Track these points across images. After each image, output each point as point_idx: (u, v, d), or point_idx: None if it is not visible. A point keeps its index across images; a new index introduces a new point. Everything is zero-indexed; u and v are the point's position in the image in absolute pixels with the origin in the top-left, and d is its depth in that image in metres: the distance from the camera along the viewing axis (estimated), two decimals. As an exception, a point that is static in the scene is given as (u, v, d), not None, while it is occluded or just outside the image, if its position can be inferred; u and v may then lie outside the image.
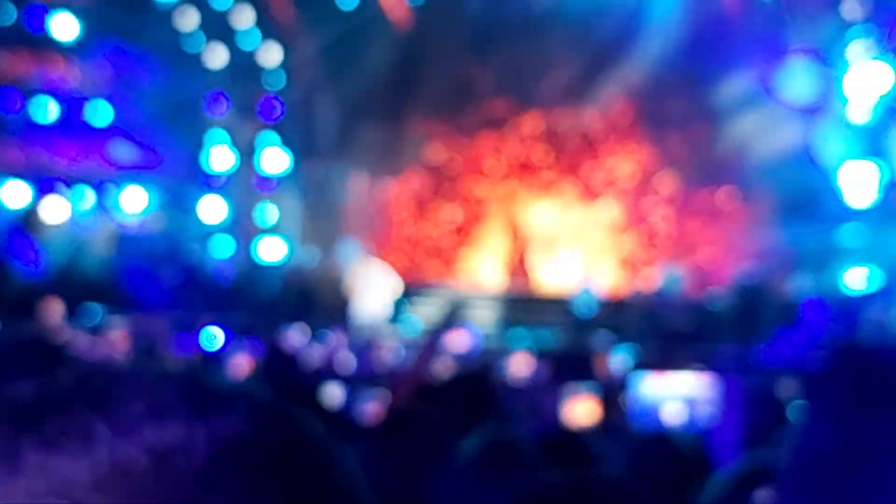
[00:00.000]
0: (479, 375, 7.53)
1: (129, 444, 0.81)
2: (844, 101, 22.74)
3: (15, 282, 24.49)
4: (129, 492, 0.80)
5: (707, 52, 23.85)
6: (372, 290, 21.11)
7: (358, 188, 28.02)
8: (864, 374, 1.11)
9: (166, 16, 25.94)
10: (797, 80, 23.08)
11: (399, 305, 24.29)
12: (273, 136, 27.45)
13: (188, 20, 26.10)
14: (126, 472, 0.81)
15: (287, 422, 0.89)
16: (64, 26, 25.20)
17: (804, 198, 23.38)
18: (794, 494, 1.16)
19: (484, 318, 23.90)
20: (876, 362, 1.10)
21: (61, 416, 0.83)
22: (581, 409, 5.38)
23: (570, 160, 26.61)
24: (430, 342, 6.74)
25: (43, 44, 25.23)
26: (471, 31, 25.81)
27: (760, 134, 23.31)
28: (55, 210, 26.59)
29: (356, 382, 8.26)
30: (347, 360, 9.16)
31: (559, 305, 23.19)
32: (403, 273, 27.08)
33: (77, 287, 24.79)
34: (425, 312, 24.39)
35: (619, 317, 22.69)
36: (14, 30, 24.64)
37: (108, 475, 0.80)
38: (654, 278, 23.18)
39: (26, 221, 25.92)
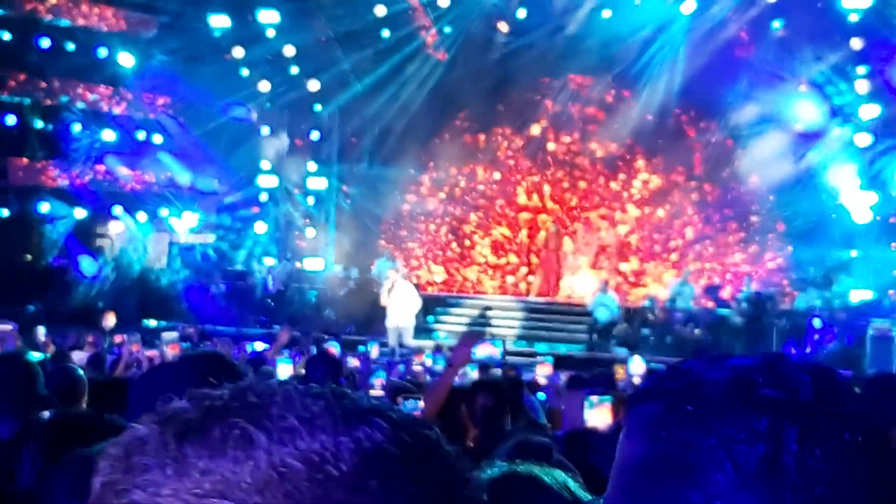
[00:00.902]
0: (504, 382, 7.61)
1: (285, 452, 0.86)
2: (850, 127, 22.68)
3: (75, 294, 24.71)
4: (284, 494, 0.85)
5: (719, 81, 23.83)
6: (404, 302, 21.07)
7: (393, 208, 28.13)
8: (678, 390, 1.13)
9: (219, 45, 26.14)
10: (804, 108, 23.04)
11: (430, 316, 24.38)
12: (315, 158, 27.61)
13: (239, 49, 26.31)
14: (282, 477, 0.86)
15: (423, 437, 0.93)
16: (123, 56, 25.49)
17: (811, 218, 23.32)
18: None
19: (509, 327, 23.95)
20: (694, 378, 1.14)
21: (225, 425, 0.88)
22: (600, 415, 5.38)
23: (592, 181, 26.65)
24: (459, 354, 6.79)
25: (103, 72, 25.48)
26: (497, 68, 25.93)
27: (770, 159, 23.25)
28: (114, 227, 26.85)
29: (391, 391, 8.29)
30: (381, 370, 9.17)
31: (580, 315, 23.18)
32: (434, 286, 27.22)
33: (133, 299, 25.01)
34: (455, 323, 24.48)
35: (635, 326, 22.69)
36: (75, 59, 24.89)
37: (265, 479, 0.85)
38: (668, 290, 23.13)
39: (87, 238, 26.16)
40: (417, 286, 24.12)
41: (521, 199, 27.27)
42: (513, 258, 27.18)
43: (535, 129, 26.96)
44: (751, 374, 1.12)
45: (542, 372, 10.20)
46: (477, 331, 18.45)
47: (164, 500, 0.86)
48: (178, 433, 0.89)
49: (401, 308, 20.99)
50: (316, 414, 0.90)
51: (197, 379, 2.47)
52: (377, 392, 8.54)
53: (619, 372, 10.96)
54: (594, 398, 5.56)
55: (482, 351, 9.07)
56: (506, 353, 10.51)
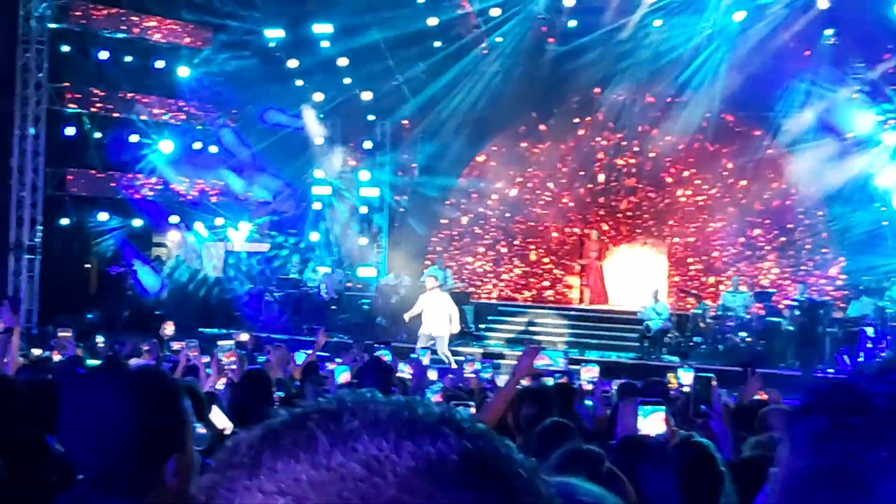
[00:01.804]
0: (552, 390, 7.59)
1: (344, 454, 0.91)
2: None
3: (133, 302, 24.99)
4: (338, 494, 0.90)
5: (770, 90, 23.68)
6: (438, 311, 21.00)
7: (444, 217, 28.21)
8: (837, 405, 1.14)
9: (274, 56, 26.37)
10: (856, 116, 22.82)
11: (480, 324, 24.40)
12: (368, 167, 27.75)
13: (293, 61, 26.54)
14: (338, 477, 0.90)
15: (488, 447, 0.94)
16: (180, 67, 25.79)
17: (863, 226, 23.08)
18: None
19: (560, 334, 23.90)
20: (850, 393, 1.14)
21: (297, 430, 0.94)
22: (653, 424, 5.34)
23: (643, 190, 26.55)
24: (522, 366, 6.81)
25: (160, 83, 25.77)
26: (549, 78, 25.94)
27: (821, 167, 23.05)
28: (171, 236, 27.14)
29: (444, 399, 8.31)
30: (439, 382, 9.19)
31: (631, 323, 23.09)
32: (486, 295, 27.24)
33: (189, 308, 25.25)
34: (506, 331, 24.48)
35: (687, 334, 22.57)
36: (133, 71, 25.20)
37: (322, 479, 0.90)
38: (719, 298, 22.98)
39: (144, 247, 26.45)
40: (469, 294, 24.14)
41: (571, 208, 27.19)
42: (561, 267, 27.12)
43: (586, 139, 26.85)
44: None
45: (587, 375, 10.14)
46: (538, 344, 18.37)
47: (240, 499, 0.92)
48: (261, 438, 0.96)
49: (437, 317, 20.88)
50: (381, 419, 0.94)
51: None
52: (436, 399, 8.55)
53: (673, 381, 10.93)
54: (648, 406, 5.52)
55: (542, 362, 9.04)
56: (567, 363, 10.50)
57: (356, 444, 0.92)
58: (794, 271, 24.74)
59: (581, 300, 25.85)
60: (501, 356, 21.50)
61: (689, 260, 25.98)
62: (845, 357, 20.18)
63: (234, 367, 8.78)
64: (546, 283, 27.37)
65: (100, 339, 13.44)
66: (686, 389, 9.71)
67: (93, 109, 24.95)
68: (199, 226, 26.76)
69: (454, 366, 16.28)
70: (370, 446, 0.92)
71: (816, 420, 1.14)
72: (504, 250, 27.85)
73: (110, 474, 2.42)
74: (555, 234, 27.43)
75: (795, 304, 21.56)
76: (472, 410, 6.75)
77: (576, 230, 27.00)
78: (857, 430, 1.10)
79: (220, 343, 9.44)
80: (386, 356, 11.42)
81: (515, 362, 6.53)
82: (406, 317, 21.67)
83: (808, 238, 24.70)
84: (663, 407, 5.59)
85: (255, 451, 0.95)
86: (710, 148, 25.64)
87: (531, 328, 24.28)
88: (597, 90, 26.09)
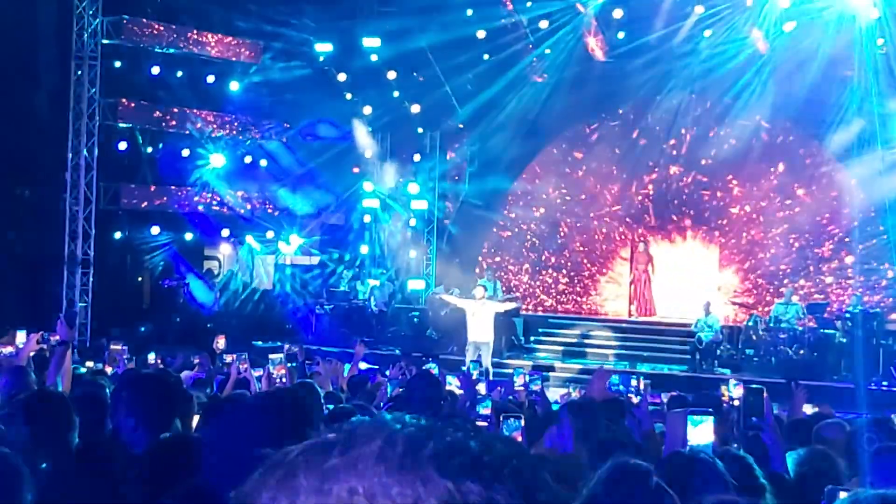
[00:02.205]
0: (599, 404, 7.55)
1: (320, 498, 0.90)
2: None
3: (185, 316, 25.18)
4: None
5: (821, 100, 23.50)
6: (485, 321, 21.04)
7: (493, 229, 28.21)
8: None
9: (324, 70, 26.56)
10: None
11: (531, 337, 24.35)
12: (417, 180, 27.80)
13: (343, 74, 26.72)
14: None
15: (487, 498, 0.92)
16: (231, 82, 26.03)
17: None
18: None
19: (610, 347, 23.81)
20: None
21: (323, 458, 0.93)
22: (702, 434, 5.31)
23: (694, 201, 26.40)
24: (594, 389, 6.85)
25: (211, 98, 26.00)
26: (597, 90, 25.89)
27: (874, 177, 22.83)
28: (223, 250, 27.34)
29: (494, 411, 8.31)
30: (488, 399, 9.16)
31: (682, 336, 22.97)
32: (536, 307, 27.19)
33: (241, 320, 25.41)
34: (556, 343, 24.41)
35: (739, 346, 22.41)
36: (184, 86, 25.44)
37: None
38: (771, 310, 22.78)
39: (196, 261, 26.66)
40: (519, 307, 24.10)
41: (621, 217, 27.09)
42: (610, 278, 27.02)
43: (636, 148, 26.73)
44: None
45: (644, 388, 10.10)
46: (609, 367, 18.32)
47: None
48: (260, 475, 0.96)
49: (484, 326, 20.93)
50: (364, 456, 0.92)
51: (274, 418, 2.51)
52: (485, 412, 8.54)
53: (726, 393, 10.87)
54: (697, 417, 5.50)
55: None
56: (644, 387, 10.48)
57: (332, 485, 0.91)
58: (847, 283, 24.48)
59: (630, 313, 25.71)
60: (552, 369, 21.51)
61: (741, 271, 25.78)
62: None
63: (284, 379, 8.82)
64: (594, 294, 27.28)
65: (151, 357, 13.51)
66: (736, 403, 9.64)
67: (145, 124, 25.20)
68: (250, 239, 26.96)
69: (490, 377, 16.21)
70: (343, 487, 0.91)
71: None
72: (553, 260, 27.78)
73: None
74: (604, 245, 27.32)
75: (848, 315, 21.32)
76: (521, 423, 6.73)
77: (626, 240, 26.87)
78: None
79: (271, 357, 9.49)
80: (434, 369, 11.43)
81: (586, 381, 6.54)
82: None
83: (862, 249, 24.41)
84: (711, 416, 5.55)
85: (251, 489, 0.96)
86: (761, 158, 25.45)
87: (581, 340, 24.21)
88: (647, 99, 25.98)
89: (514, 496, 0.94)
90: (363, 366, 14.06)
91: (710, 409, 5.85)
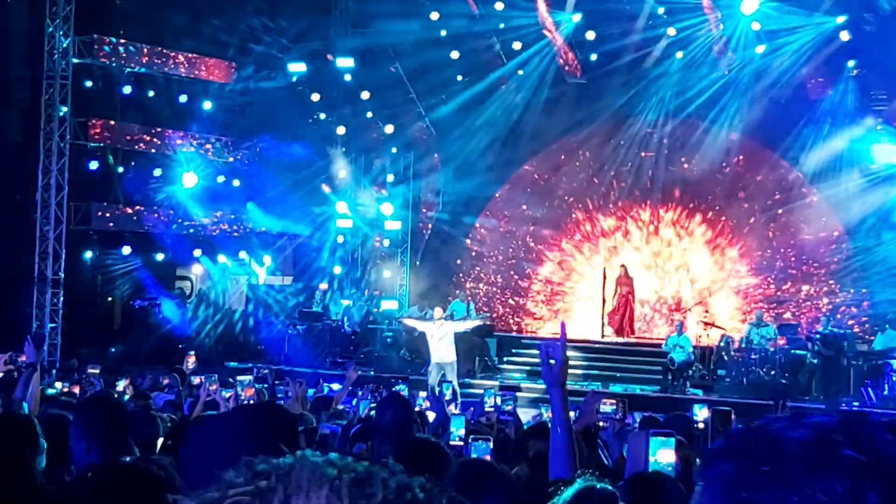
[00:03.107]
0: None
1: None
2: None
3: (156, 336, 25.05)
4: None
5: (792, 122, 23.66)
6: (448, 341, 21.05)
7: (466, 249, 28.24)
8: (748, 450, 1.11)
9: (296, 91, 26.58)
10: (880, 147, 22.76)
11: (504, 357, 24.34)
12: (390, 200, 27.77)
13: (316, 95, 26.75)
14: None
15: None
16: (203, 102, 25.99)
17: (888, 258, 22.97)
18: None
19: (583, 367, 23.85)
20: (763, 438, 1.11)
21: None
22: (664, 456, 5.32)
23: (667, 221, 26.50)
24: (585, 412, 6.84)
25: (183, 118, 25.94)
26: (571, 110, 25.98)
27: (846, 199, 22.99)
28: (194, 270, 27.24)
29: (469, 427, 8.30)
30: (461, 417, 9.15)
31: (655, 356, 23.03)
32: (509, 327, 27.19)
33: (212, 341, 25.31)
34: (526, 364, 24.41)
35: (710, 367, 22.47)
36: (157, 105, 25.40)
37: None
38: (743, 331, 22.86)
39: (167, 281, 26.55)
40: (492, 327, 24.12)
41: (594, 237, 27.16)
42: (580, 299, 27.05)
43: (608, 170, 26.83)
44: (831, 434, 1.10)
45: (616, 408, 10.11)
46: (600, 390, 18.36)
47: None
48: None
49: (446, 347, 20.91)
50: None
51: (253, 432, 2.51)
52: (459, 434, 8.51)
53: (699, 411, 10.92)
54: (658, 438, 5.51)
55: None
56: (624, 410, 10.51)
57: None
58: (818, 304, 24.60)
59: (602, 334, 25.62)
60: (518, 388, 21.52)
61: (713, 292, 25.86)
62: (870, 390, 20.06)
63: (252, 401, 8.79)
64: (567, 314, 27.29)
65: (120, 386, 13.39)
66: (701, 426, 9.69)
67: (117, 144, 25.12)
68: (222, 259, 26.88)
69: (458, 399, 16.22)
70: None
71: (726, 465, 1.12)
72: (526, 280, 27.80)
73: None
74: (576, 266, 27.36)
75: (819, 336, 21.41)
76: (490, 444, 6.72)
77: (598, 261, 26.91)
78: (766, 478, 1.08)
79: (239, 378, 9.46)
80: (403, 391, 11.42)
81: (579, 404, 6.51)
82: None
83: (833, 271, 24.57)
84: (673, 439, 5.57)
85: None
86: (734, 179, 25.60)
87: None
88: (620, 121, 26.09)
89: None
90: (336, 387, 14.02)
91: (673, 431, 5.87)
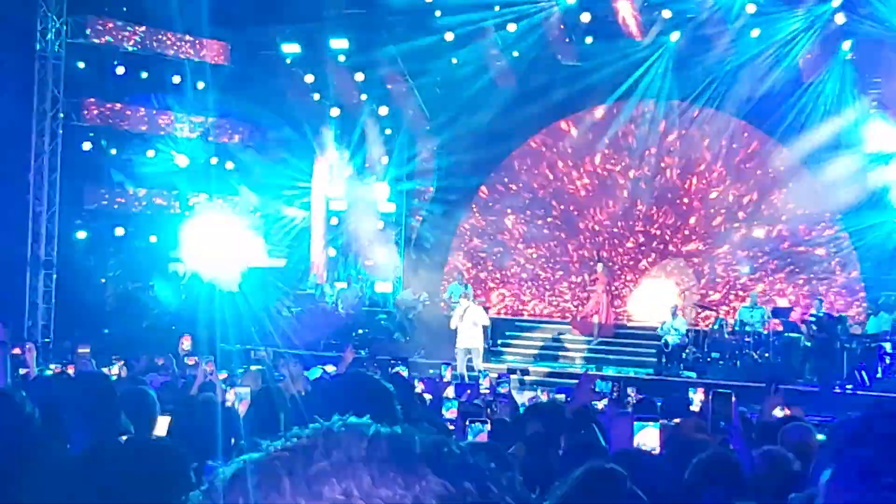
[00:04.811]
0: (562, 407, 7.54)
1: (306, 499, 0.88)
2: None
3: (150, 318, 24.98)
4: None
5: (787, 104, 23.63)
6: (476, 325, 21.19)
7: (461, 232, 28.20)
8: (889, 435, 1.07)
9: (291, 72, 26.50)
10: (874, 129, 22.74)
11: (498, 340, 24.34)
12: (384, 184, 27.70)
13: (310, 76, 26.66)
14: None
15: (480, 488, 0.90)
16: (197, 83, 25.88)
17: (882, 241, 22.98)
18: None
19: (578, 350, 23.90)
20: None
21: (265, 472, 0.91)
22: (647, 439, 5.39)
23: (661, 206, 26.45)
24: (579, 394, 6.83)
25: (177, 99, 25.83)
26: (564, 94, 25.86)
27: (840, 181, 22.96)
28: (187, 252, 27.14)
29: (461, 415, 8.29)
30: (454, 400, 9.14)
31: (649, 339, 23.09)
32: (503, 311, 27.17)
33: (206, 323, 25.26)
34: (524, 346, 24.46)
35: (704, 350, 22.53)
36: (150, 87, 25.31)
37: None
38: (737, 314, 22.90)
39: (161, 262, 26.47)
40: (486, 309, 24.14)
41: (587, 224, 27.12)
42: (575, 285, 26.99)
43: (603, 154, 26.78)
44: None
45: (603, 401, 10.13)
46: (593, 372, 18.43)
47: None
48: (231, 480, 0.94)
49: (472, 331, 21.08)
50: (355, 458, 0.90)
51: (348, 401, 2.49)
52: (451, 416, 8.52)
53: (694, 394, 10.95)
54: (641, 423, 5.61)
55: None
56: (619, 391, 10.55)
57: (321, 488, 0.89)
58: (812, 287, 24.62)
59: (597, 317, 25.40)
60: (526, 372, 21.66)
61: (708, 275, 25.86)
62: (863, 373, 20.11)
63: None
64: (564, 300, 27.28)
65: (115, 370, 13.33)
66: (695, 409, 9.69)
67: (109, 125, 25.01)
68: (216, 240, 26.76)
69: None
70: (337, 490, 0.88)
71: (866, 451, 1.08)
72: (521, 264, 27.78)
73: None
74: (570, 249, 27.34)
75: (813, 319, 21.46)
76: (487, 427, 6.71)
77: (592, 245, 26.84)
78: None
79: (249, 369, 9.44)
80: (403, 372, 11.39)
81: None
82: (451, 324, 21.73)
83: (826, 254, 24.58)
84: (657, 423, 5.66)
85: (224, 491, 0.93)
86: (727, 162, 25.57)
87: (550, 344, 24.31)
88: (612, 105, 26.02)
89: (505, 495, 0.93)
90: (330, 369, 13.98)
91: (656, 417, 5.97)
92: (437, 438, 0.95)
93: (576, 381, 12.19)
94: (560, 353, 23.98)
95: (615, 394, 10.29)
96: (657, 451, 5.44)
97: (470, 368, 20.47)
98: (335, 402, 2.50)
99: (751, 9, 22.99)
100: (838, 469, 1.10)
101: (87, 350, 13.03)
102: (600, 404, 10.30)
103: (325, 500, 0.87)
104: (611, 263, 25.99)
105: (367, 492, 0.87)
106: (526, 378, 21.39)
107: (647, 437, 5.51)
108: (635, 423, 5.62)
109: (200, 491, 0.96)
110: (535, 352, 24.12)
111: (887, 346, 20.23)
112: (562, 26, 25.13)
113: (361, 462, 0.89)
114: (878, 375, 20.02)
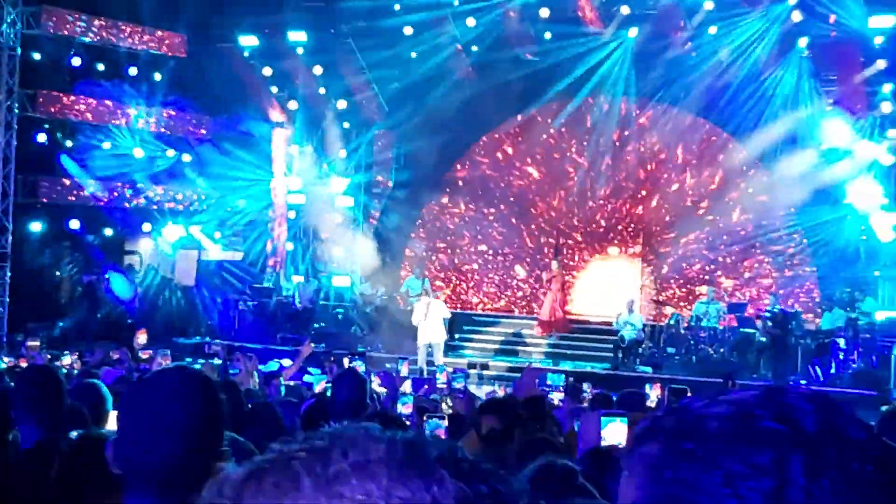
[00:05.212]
0: (519, 401, 7.55)
1: (327, 498, 0.89)
2: (876, 146, 22.53)
3: (104, 311, 24.81)
4: None
5: (744, 102, 23.77)
6: (437, 320, 21.21)
7: (420, 226, 28.20)
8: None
9: (248, 64, 26.39)
10: (830, 127, 22.91)
11: (456, 335, 24.35)
12: (343, 176, 27.61)
13: (268, 69, 26.55)
14: None
15: (493, 491, 0.93)
16: (153, 75, 25.72)
17: (836, 238, 23.17)
18: None
19: (536, 345, 23.95)
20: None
21: (282, 471, 0.92)
22: (615, 434, 5.40)
23: (617, 200, 26.57)
24: (522, 387, 6.83)
25: (133, 90, 25.63)
26: (523, 88, 25.85)
27: (795, 178, 23.13)
28: (144, 244, 26.97)
29: (418, 411, 8.30)
30: (409, 396, 9.16)
31: (606, 334, 23.18)
32: (461, 305, 27.19)
33: (162, 316, 25.12)
34: (483, 341, 24.48)
35: (660, 345, 22.65)
36: (106, 78, 25.09)
37: None
38: (693, 309, 23.04)
39: (116, 255, 26.28)
40: (445, 303, 24.15)
41: (546, 217, 27.19)
42: (532, 279, 27.03)
43: (561, 148, 26.86)
44: (751, 407, 1.09)
45: (558, 395, 10.20)
46: (537, 366, 18.51)
47: None
48: (246, 478, 0.94)
49: (435, 326, 21.10)
50: (373, 460, 0.91)
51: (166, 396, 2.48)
52: (406, 412, 8.52)
53: (651, 390, 11.03)
54: (609, 418, 5.64)
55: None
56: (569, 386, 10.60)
57: (342, 488, 0.89)
58: (767, 283, 24.81)
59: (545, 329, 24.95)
60: (486, 367, 21.75)
61: (664, 271, 26.00)
62: (817, 368, 20.31)
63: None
64: (520, 294, 27.35)
65: (66, 361, 13.24)
66: (651, 404, 9.74)
67: (65, 116, 24.78)
68: (171, 233, 26.58)
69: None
70: (357, 491, 0.89)
71: (652, 447, 1.10)
72: (479, 259, 27.82)
73: (168, 475, 2.43)
74: (528, 245, 27.39)
75: (768, 315, 21.63)
76: (444, 423, 6.70)
77: (550, 240, 26.89)
78: (689, 456, 1.07)
79: (204, 363, 9.40)
80: (360, 367, 11.37)
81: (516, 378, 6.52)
82: (414, 320, 21.71)
83: (782, 250, 24.77)
84: (625, 418, 5.68)
85: (238, 491, 0.93)
86: (683, 158, 25.73)
87: (509, 338, 24.36)
88: (571, 99, 26.06)
89: (517, 499, 0.96)
90: (286, 363, 13.96)
91: (624, 412, 5.98)
92: (449, 443, 0.97)
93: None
94: (520, 348, 24.02)
95: (563, 387, 10.34)
96: (623, 445, 5.45)
97: (430, 363, 20.46)
98: (155, 399, 2.47)
99: (709, 6, 23.11)
100: (628, 467, 1.13)
101: (38, 343, 12.95)
102: (556, 399, 10.34)
103: (346, 500, 0.88)
104: (565, 260, 26.01)
105: (386, 492, 0.88)
106: (485, 373, 21.48)
107: (615, 433, 5.53)
108: (602, 417, 5.64)
109: (211, 491, 0.96)
110: (496, 347, 24.15)
111: (841, 342, 20.41)
112: (521, 20, 25.12)
113: (380, 464, 0.91)
114: (832, 371, 20.21)
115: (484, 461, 0.96)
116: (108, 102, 25.31)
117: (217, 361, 13.64)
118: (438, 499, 0.89)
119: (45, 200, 24.62)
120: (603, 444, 5.32)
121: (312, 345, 13.71)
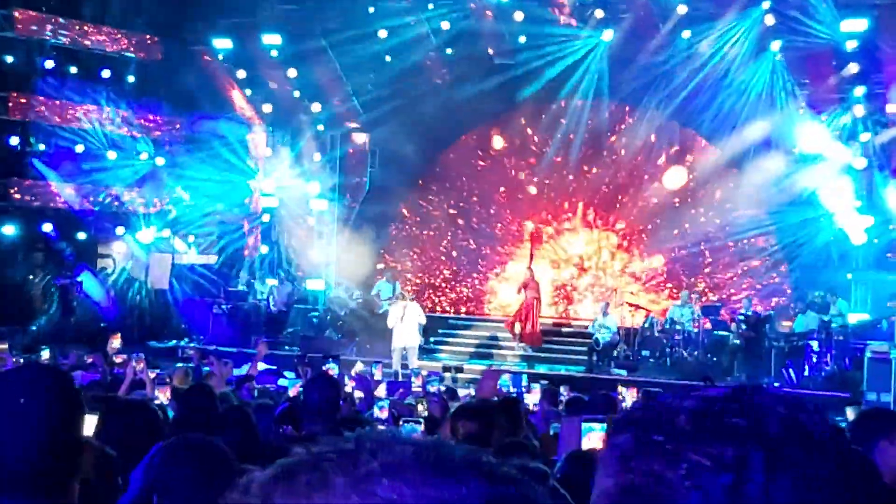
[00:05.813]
0: (496, 404, 7.59)
1: (360, 498, 0.90)
2: (848, 150, 22.64)
3: (78, 314, 24.69)
4: None
5: (717, 104, 23.85)
6: (412, 324, 21.20)
7: (394, 230, 28.19)
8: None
9: (222, 67, 26.30)
10: (802, 131, 23.03)
11: (430, 338, 24.35)
12: (317, 179, 27.56)
13: (242, 72, 26.46)
14: None
15: (520, 495, 0.94)
16: (126, 78, 25.63)
17: (809, 241, 23.30)
18: None
19: (511, 348, 23.97)
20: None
21: (312, 471, 0.93)
22: (595, 440, 5.42)
23: (592, 204, 26.63)
24: (484, 388, 6.85)
25: (106, 94, 25.53)
26: (499, 92, 25.85)
27: (768, 181, 23.26)
28: (117, 247, 26.86)
29: (394, 415, 8.33)
30: (385, 400, 9.18)
31: (581, 337, 23.22)
32: (437, 308, 27.20)
33: (136, 320, 25.03)
34: (458, 345, 24.50)
35: (635, 347, 22.71)
36: (79, 81, 24.99)
37: None
38: (667, 312, 23.11)
39: (90, 258, 26.16)
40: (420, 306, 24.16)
41: (519, 221, 27.24)
42: (505, 281, 27.05)
43: (537, 152, 26.92)
44: (718, 403, 1.12)
45: (533, 399, 10.26)
46: (498, 367, 18.53)
47: None
48: (275, 478, 0.95)
49: (410, 329, 21.11)
50: (403, 462, 0.92)
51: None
52: (383, 416, 8.54)
53: (623, 394, 11.08)
54: (590, 424, 5.64)
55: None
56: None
57: (374, 487, 0.90)
58: (741, 286, 24.93)
59: (514, 336, 24.28)
60: (460, 370, 21.77)
61: (638, 274, 26.10)
62: (790, 370, 20.42)
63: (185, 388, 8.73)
64: (494, 298, 27.39)
65: (45, 354, 13.25)
66: (626, 406, 9.79)
67: (37, 119, 24.66)
68: (145, 237, 26.49)
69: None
70: (389, 491, 0.90)
71: (623, 438, 1.14)
72: (453, 262, 27.84)
73: (28, 474, 2.37)
74: (502, 249, 27.44)
75: (742, 318, 21.76)
76: (421, 428, 6.73)
77: (523, 245, 26.94)
78: (657, 447, 1.10)
79: (178, 366, 9.39)
80: (333, 370, 11.39)
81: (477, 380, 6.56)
82: (389, 323, 21.67)
83: (756, 252, 24.89)
84: (604, 423, 5.70)
85: (267, 491, 0.94)
86: (659, 161, 25.82)
87: (484, 342, 24.37)
88: (547, 103, 26.11)
89: (542, 501, 0.97)
90: (261, 366, 13.94)
91: (604, 417, 6.00)
92: (474, 448, 0.98)
93: (509, 378, 12.29)
94: (494, 352, 24.03)
95: (545, 391, 10.37)
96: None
97: (405, 367, 20.46)
98: (5, 396, 2.44)
99: (682, 9, 23.15)
100: (602, 457, 1.16)
101: (6, 346, 12.89)
102: (531, 404, 10.37)
103: (378, 499, 0.89)
104: (538, 263, 25.99)
105: (418, 493, 0.89)
106: (460, 376, 21.50)
107: (595, 441, 5.56)
108: (583, 424, 5.67)
109: (236, 492, 0.96)
110: (470, 350, 24.16)
111: (814, 345, 20.52)
112: (496, 22, 25.10)
113: (409, 465, 0.91)
114: (806, 373, 20.32)
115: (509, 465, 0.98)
116: (81, 105, 25.21)
117: (186, 365, 13.64)
118: (467, 500, 0.90)
119: (17, 203, 24.50)
120: (583, 448, 5.35)
121: (267, 343, 13.71)
